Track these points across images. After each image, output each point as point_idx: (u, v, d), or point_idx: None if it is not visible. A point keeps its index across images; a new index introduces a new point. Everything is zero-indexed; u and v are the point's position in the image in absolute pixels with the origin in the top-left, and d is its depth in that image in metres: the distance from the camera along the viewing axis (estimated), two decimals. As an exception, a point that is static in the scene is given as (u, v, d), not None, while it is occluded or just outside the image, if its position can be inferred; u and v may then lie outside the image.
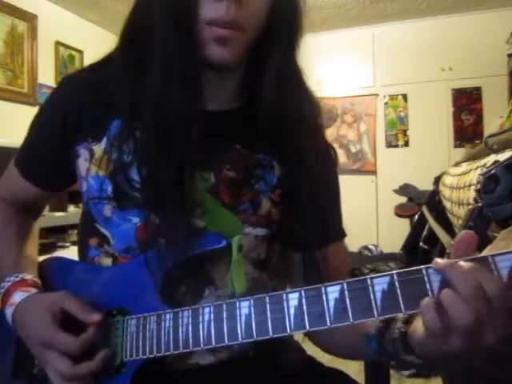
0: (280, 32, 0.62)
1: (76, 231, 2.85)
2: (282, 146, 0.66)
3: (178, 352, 0.54)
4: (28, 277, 0.65)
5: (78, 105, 0.65)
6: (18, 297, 0.62)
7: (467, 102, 4.01)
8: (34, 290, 0.63)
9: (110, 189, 0.63)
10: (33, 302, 0.61)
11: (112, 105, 0.62)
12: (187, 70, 0.58)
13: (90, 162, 0.65)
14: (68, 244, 2.79)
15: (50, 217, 2.69)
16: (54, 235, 2.74)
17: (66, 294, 0.60)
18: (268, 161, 0.67)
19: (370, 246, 3.91)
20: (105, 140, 0.64)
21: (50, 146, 0.68)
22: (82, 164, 0.66)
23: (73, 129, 0.65)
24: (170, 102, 0.58)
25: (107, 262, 0.66)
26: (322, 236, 0.68)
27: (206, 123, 0.60)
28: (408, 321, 0.51)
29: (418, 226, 2.59)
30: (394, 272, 0.45)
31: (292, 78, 0.65)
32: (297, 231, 0.66)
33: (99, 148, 0.64)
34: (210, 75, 0.62)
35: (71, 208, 2.95)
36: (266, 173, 0.67)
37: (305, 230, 0.65)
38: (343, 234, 0.74)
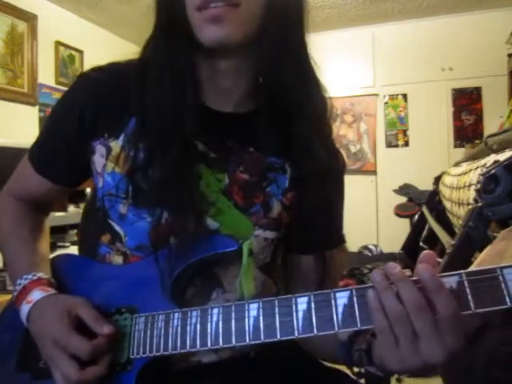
0: (277, 9, 0.60)
1: (76, 231, 2.85)
2: (292, 140, 0.65)
3: (185, 351, 0.54)
4: (45, 277, 0.65)
5: (94, 101, 0.65)
6: (36, 295, 0.61)
7: (467, 102, 4.01)
8: (52, 290, 0.63)
9: (126, 186, 0.63)
10: (51, 301, 0.61)
11: (129, 103, 0.63)
12: (178, 61, 0.59)
13: (107, 159, 0.65)
14: (68, 244, 2.78)
15: (50, 217, 2.67)
16: (54, 235, 2.73)
17: (84, 300, 0.60)
18: (280, 163, 0.67)
19: (370, 246, 3.91)
20: (122, 137, 0.64)
21: (65, 141, 0.68)
22: (98, 160, 0.66)
23: (90, 124, 0.65)
24: (163, 97, 0.59)
25: (118, 260, 0.66)
26: (330, 238, 0.69)
27: (221, 125, 0.61)
28: None
29: (418, 226, 2.59)
30: None
31: (294, 56, 0.63)
32: (308, 232, 0.67)
33: (117, 144, 0.64)
34: (220, 65, 0.62)
35: (71, 208, 2.95)
36: (278, 176, 0.67)
37: (317, 228, 0.66)
38: (344, 240, 0.75)
